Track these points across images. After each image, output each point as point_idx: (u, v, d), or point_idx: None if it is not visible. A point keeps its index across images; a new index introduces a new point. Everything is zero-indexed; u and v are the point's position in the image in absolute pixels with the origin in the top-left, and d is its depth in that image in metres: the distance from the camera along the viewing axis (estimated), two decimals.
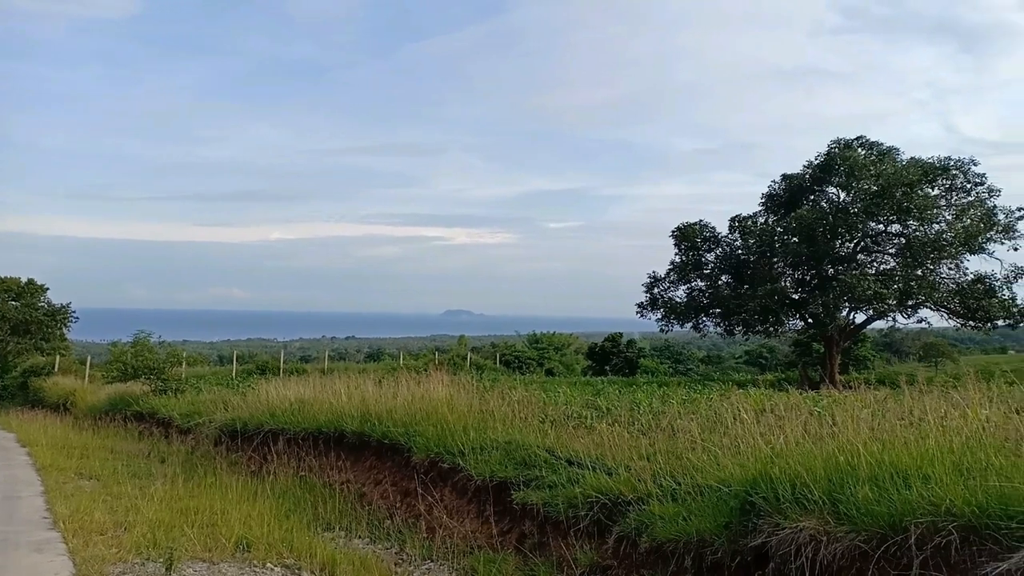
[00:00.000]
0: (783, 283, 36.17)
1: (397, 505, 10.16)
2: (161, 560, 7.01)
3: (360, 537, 9.44)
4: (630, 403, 13.37)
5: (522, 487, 7.93)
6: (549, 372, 44.52)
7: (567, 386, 20.88)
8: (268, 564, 7.48)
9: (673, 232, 39.17)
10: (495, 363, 44.99)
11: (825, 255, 34.31)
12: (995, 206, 33.45)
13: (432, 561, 8.10)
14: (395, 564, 8.03)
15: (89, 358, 39.17)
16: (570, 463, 7.92)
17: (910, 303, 33.50)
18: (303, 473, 12.30)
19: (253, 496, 10.57)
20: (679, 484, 6.52)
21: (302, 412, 13.69)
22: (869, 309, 34.22)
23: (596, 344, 52.37)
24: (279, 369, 36.34)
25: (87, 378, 34.08)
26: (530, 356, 49.10)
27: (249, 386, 20.41)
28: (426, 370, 14.54)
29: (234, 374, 35.70)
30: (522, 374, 38.38)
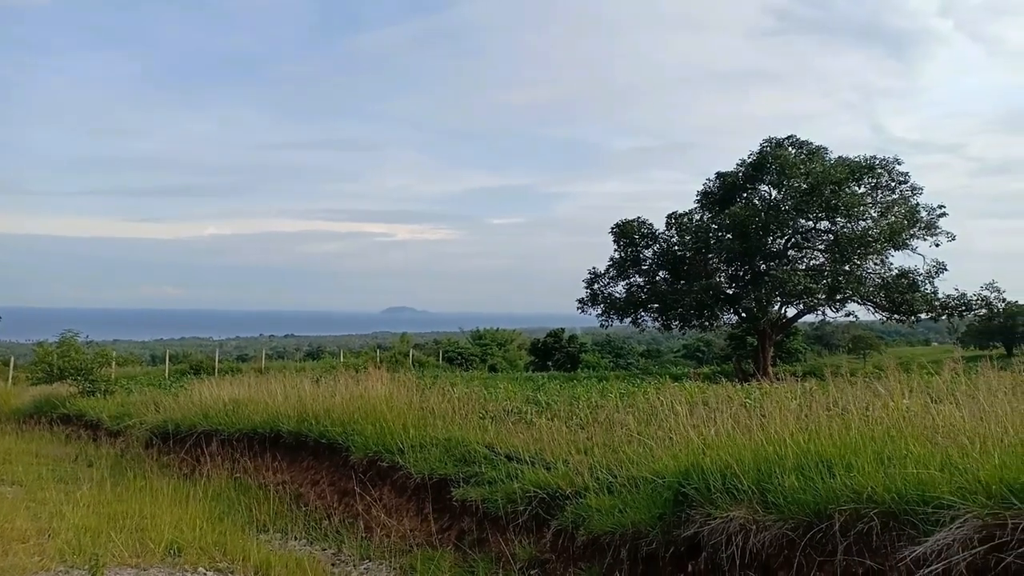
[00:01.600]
0: (718, 279, 37.00)
1: (335, 505, 10.03)
2: (86, 567, 6.77)
3: (297, 538, 9.29)
4: (570, 398, 13.51)
5: (462, 484, 7.93)
6: (492, 368, 44.58)
7: (508, 382, 20.94)
8: (200, 568, 7.30)
9: (612, 229, 39.65)
10: (438, 360, 44.83)
11: (758, 251, 35.23)
12: (918, 204, 34.90)
13: (370, 561, 8.02)
14: (332, 565, 7.93)
15: (12, 359, 37.50)
16: (509, 459, 7.96)
17: (838, 297, 34.69)
18: (238, 475, 12.03)
19: (185, 499, 10.28)
20: (615, 477, 6.62)
21: (237, 413, 13.39)
22: (800, 303, 35.33)
23: (539, 340, 52.67)
24: (214, 369, 35.47)
25: (10, 380, 32.64)
26: (473, 353, 49.10)
27: (182, 386, 19.88)
28: (365, 368, 14.39)
29: (167, 374, 34.69)
30: (465, 371, 38.34)
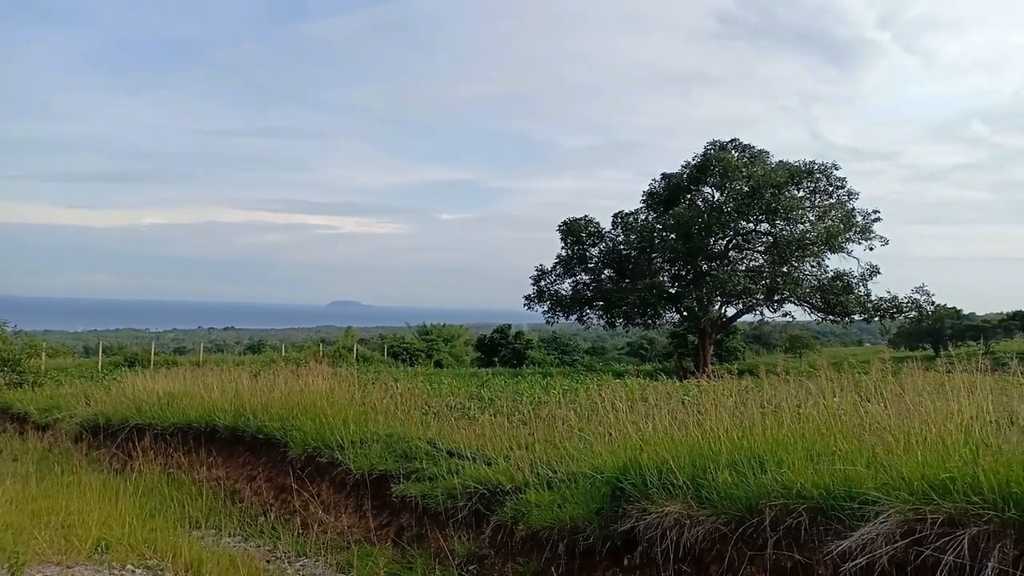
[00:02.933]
0: (661, 278, 37.62)
1: (271, 502, 9.86)
2: (5, 566, 6.50)
3: (232, 535, 9.09)
4: (513, 394, 13.57)
5: (402, 480, 7.87)
6: (438, 364, 44.41)
7: (452, 378, 20.91)
8: (128, 566, 7.08)
9: (559, 227, 39.92)
10: (383, 355, 44.43)
11: (700, 252, 35.91)
12: (853, 208, 36.05)
13: (306, 557, 7.91)
14: (267, 562, 7.78)
15: None
16: (451, 454, 7.94)
17: (776, 298, 35.63)
18: (171, 470, 11.74)
19: (115, 495, 9.97)
20: (555, 472, 6.67)
21: (171, 407, 13.06)
22: (739, 303, 36.18)
23: (485, 336, 52.71)
24: (150, 361, 34.44)
25: None
26: (419, 348, 48.80)
27: (115, 379, 19.31)
28: (307, 363, 14.17)
29: (100, 366, 33.57)
30: (411, 366, 38.11)
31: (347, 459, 8.73)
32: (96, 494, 9.88)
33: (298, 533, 8.60)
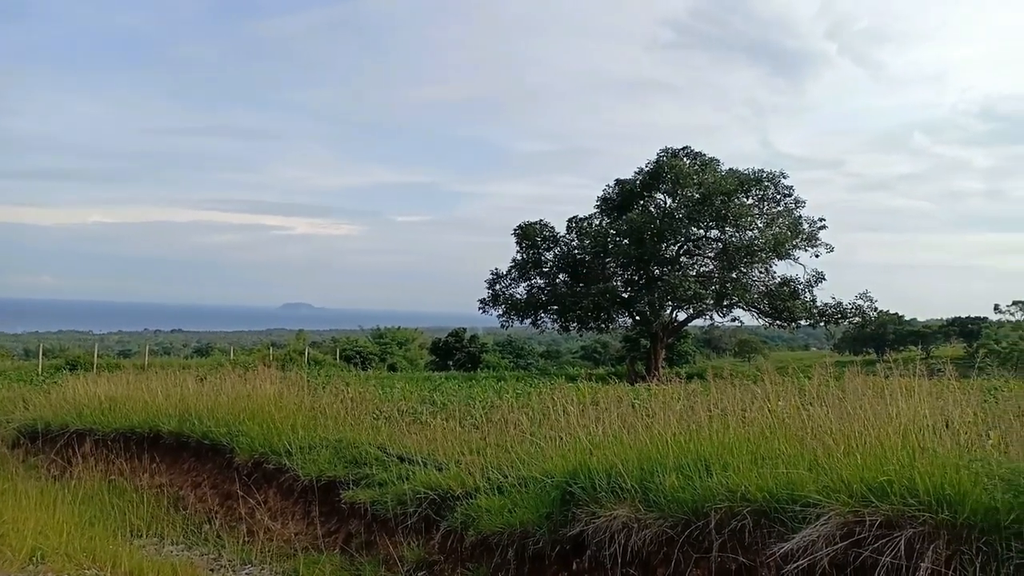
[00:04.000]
0: (615, 282, 37.99)
1: (217, 509, 9.64)
2: None
3: (175, 544, 8.87)
4: (466, 398, 13.53)
5: (351, 486, 7.78)
6: (392, 367, 44.04)
7: (405, 381, 20.77)
8: (65, 575, 6.85)
9: (515, 231, 40.02)
10: (335, 359, 43.88)
11: (652, 257, 36.39)
12: (800, 216, 36.96)
13: (252, 565, 7.75)
14: (211, 570, 7.61)
15: None
16: (401, 460, 7.87)
17: (725, 303, 36.31)
18: (113, 477, 11.38)
19: (53, 503, 9.61)
20: (506, 477, 6.66)
21: (114, 411, 12.67)
22: (690, 308, 36.78)
23: (440, 339, 52.47)
24: (92, 364, 33.42)
25: None
26: (372, 351, 48.35)
27: (55, 383, 18.66)
28: (255, 366, 13.92)
29: (40, 369, 32.42)
30: (363, 370, 37.72)
31: (295, 465, 8.59)
32: (33, 502, 9.51)
33: (243, 541, 8.42)
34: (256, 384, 11.67)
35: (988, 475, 3.90)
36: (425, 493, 6.89)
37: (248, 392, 11.32)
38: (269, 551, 7.91)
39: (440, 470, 7.21)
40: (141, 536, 9.06)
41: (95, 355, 37.49)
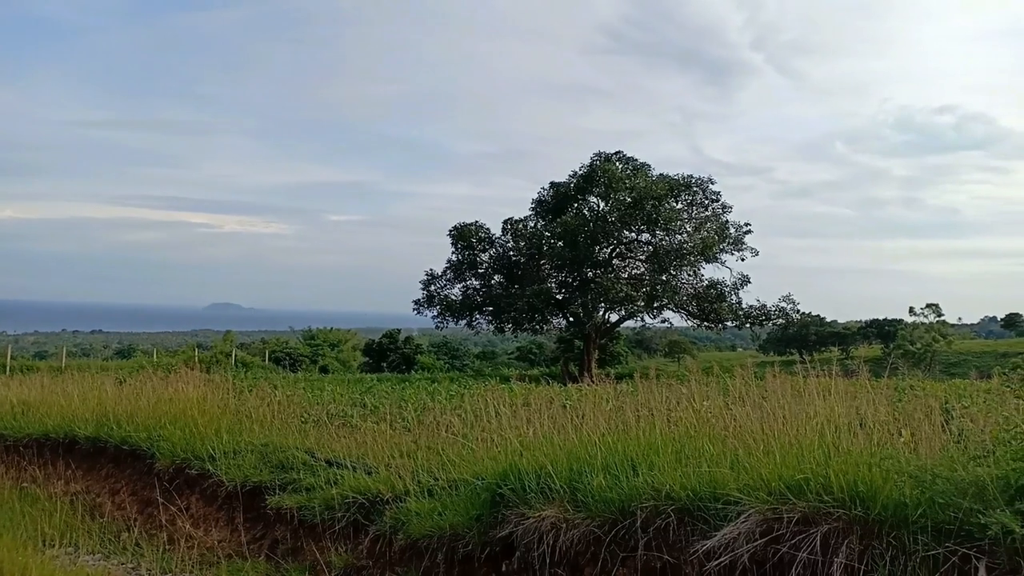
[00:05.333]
0: (549, 284, 38.31)
1: (136, 516, 9.28)
2: None
3: (91, 553, 8.49)
4: (399, 400, 13.39)
5: (277, 491, 7.60)
6: (323, 369, 43.29)
7: (336, 384, 20.44)
8: None
9: (450, 231, 39.92)
10: (264, 361, 42.86)
11: (586, 259, 36.85)
12: (727, 221, 38.04)
13: (172, 574, 7.49)
14: None
15: None
16: (330, 464, 7.73)
17: (656, 305, 37.06)
18: (25, 484, 10.84)
19: None
20: (437, 480, 6.61)
21: (26, 416, 12.09)
22: (621, 309, 37.41)
23: (374, 341, 51.86)
24: (5, 367, 31.81)
25: None
26: (303, 353, 47.43)
27: None
28: (178, 368, 13.47)
29: None
30: (293, 372, 36.99)
31: (219, 470, 8.35)
32: None
33: (164, 549, 8.13)
34: (179, 387, 11.31)
35: (898, 472, 4.07)
36: (354, 497, 6.79)
37: (170, 395, 10.95)
38: (190, 559, 7.66)
39: (370, 474, 7.11)
40: (54, 546, 8.64)
41: (8, 357, 35.70)
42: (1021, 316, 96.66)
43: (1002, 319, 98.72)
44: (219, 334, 71.69)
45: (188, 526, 8.27)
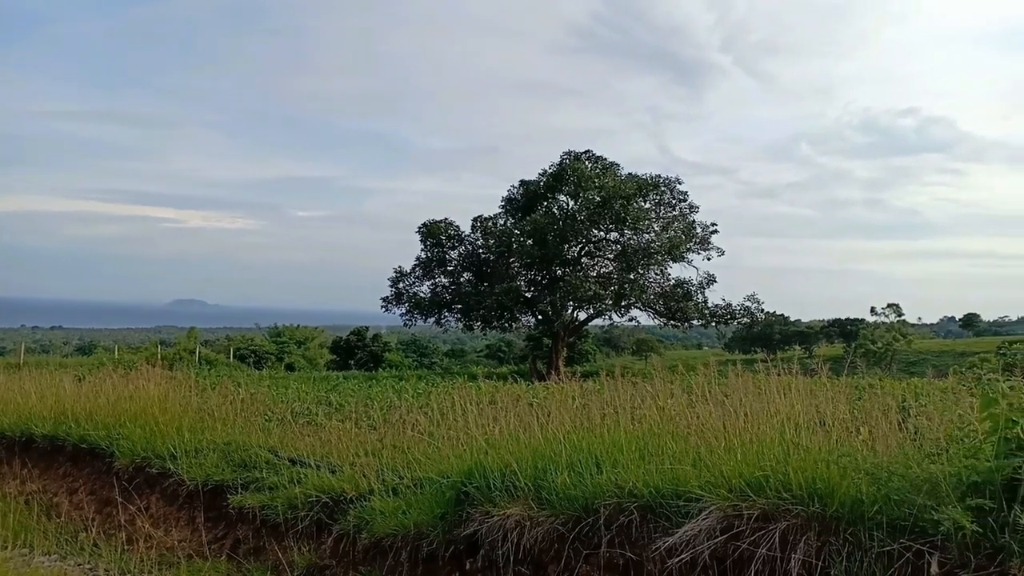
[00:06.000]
0: (518, 282, 38.37)
1: (94, 516, 9.11)
2: None
3: (47, 554, 8.30)
4: (365, 398, 13.31)
5: (240, 490, 7.51)
6: (289, 367, 42.88)
7: (301, 382, 20.26)
8: None
9: (419, 228, 39.77)
10: (228, 358, 42.31)
11: (555, 257, 36.97)
12: (694, 221, 38.42)
13: (131, 574, 7.36)
14: None
15: None
16: (293, 463, 7.66)
17: (623, 303, 37.32)
18: None
19: None
20: (402, 479, 6.58)
21: None
22: (590, 308, 37.61)
23: (341, 338, 51.49)
24: None
25: None
26: (269, 350, 46.94)
27: None
28: (139, 366, 13.24)
29: None
30: (259, 369, 36.58)
31: (180, 469, 8.23)
32: None
33: (122, 549, 7.98)
34: (140, 384, 11.12)
35: (855, 470, 4.14)
36: (317, 496, 6.73)
37: (130, 393, 10.76)
38: (150, 559, 7.53)
39: (334, 473, 7.06)
40: (7, 547, 8.45)
41: None
42: (978, 316, 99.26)
43: (960, 319, 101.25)
44: (183, 331, 70.67)
45: (148, 526, 8.13)
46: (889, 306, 64.81)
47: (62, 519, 9.41)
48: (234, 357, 42.81)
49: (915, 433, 4.65)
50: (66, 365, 24.82)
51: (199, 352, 40.25)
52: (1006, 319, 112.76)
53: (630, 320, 39.44)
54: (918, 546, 3.65)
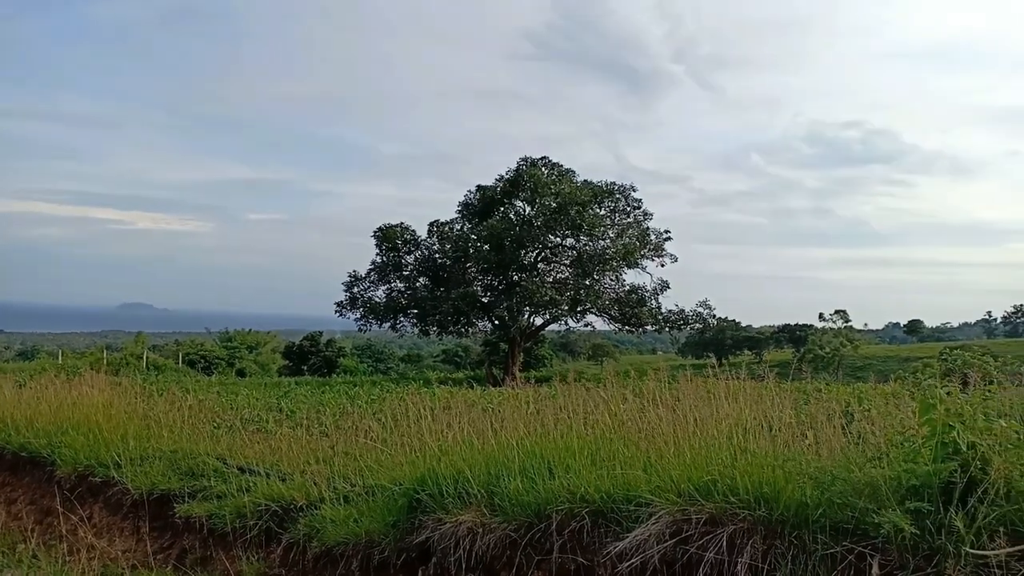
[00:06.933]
0: (475, 287, 38.34)
1: (34, 527, 8.79)
2: None
3: None
4: (317, 404, 13.15)
5: (187, 499, 7.36)
6: (241, 373, 42.13)
7: (252, 388, 19.92)
8: None
9: (375, 232, 39.47)
10: (178, 363, 41.37)
11: (511, 263, 37.04)
12: (648, 228, 38.93)
13: None
14: None
15: None
16: (242, 471, 7.53)
17: (579, 309, 37.59)
18: None
19: None
20: (353, 486, 6.52)
21: None
22: (546, 313, 37.77)
23: (294, 343, 50.77)
24: None
25: None
26: (219, 355, 46.04)
27: None
28: (83, 371, 12.87)
29: None
30: (208, 375, 35.84)
31: (125, 478, 8.03)
32: None
33: (63, 561, 7.72)
34: (83, 391, 10.83)
35: (800, 474, 4.23)
36: (267, 505, 6.63)
37: (74, 399, 10.48)
38: (92, 570, 7.30)
39: (284, 481, 6.95)
40: None
41: None
42: (922, 323, 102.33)
43: (905, 325, 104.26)
44: (130, 335, 68.91)
45: (90, 536, 7.89)
46: (836, 312, 66.43)
47: (0, 530, 9.09)
48: (183, 362, 41.88)
49: (858, 438, 4.76)
50: (6, 370, 24.00)
51: (147, 357, 39.29)
52: (948, 325, 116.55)
53: (586, 325, 39.81)
54: (860, 548, 3.73)
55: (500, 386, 21.73)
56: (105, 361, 32.97)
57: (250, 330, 54.79)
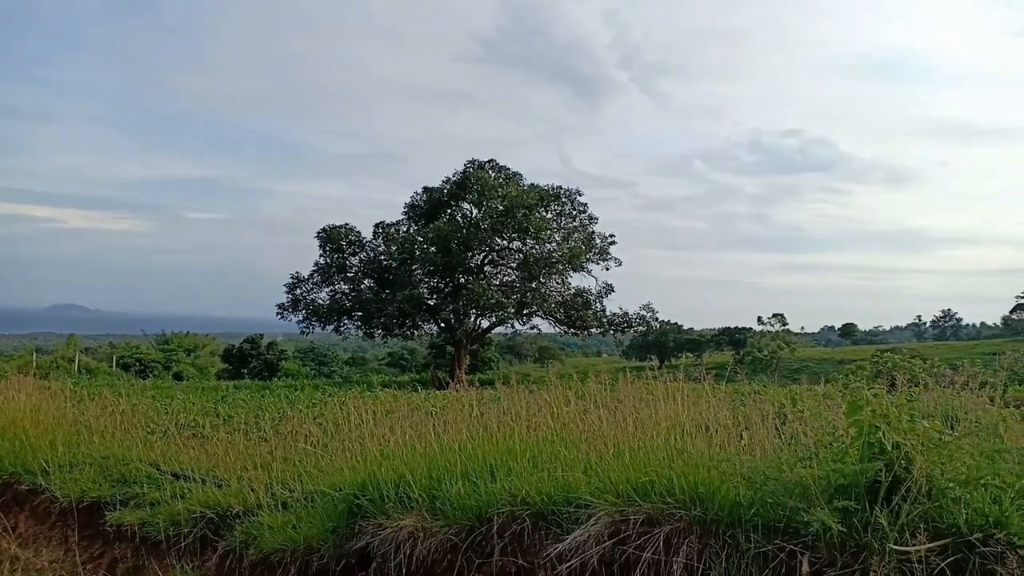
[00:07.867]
0: (421, 289, 38.13)
1: None
2: None
3: None
4: (256, 408, 12.90)
5: (118, 507, 7.13)
6: (178, 376, 41.02)
7: (189, 392, 19.44)
8: None
9: (318, 233, 38.92)
10: (111, 366, 40.06)
11: (458, 265, 37.00)
12: (594, 232, 39.34)
13: None
14: None
15: None
16: (177, 477, 7.34)
17: (525, 312, 37.75)
18: None
19: None
20: (292, 492, 6.41)
21: None
22: (492, 316, 37.81)
23: (234, 346, 49.69)
24: None
25: None
26: (155, 358, 44.78)
27: None
28: (8, 375, 12.36)
29: None
30: (144, 379, 34.80)
31: (53, 485, 7.74)
32: None
33: None
34: (9, 395, 10.40)
35: (734, 474, 4.32)
36: (202, 512, 6.47)
37: None
38: None
39: (220, 487, 6.80)
40: None
41: None
42: (856, 326, 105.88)
43: (839, 328, 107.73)
44: (62, 337, 66.41)
45: (14, 547, 7.59)
46: (774, 316, 68.31)
47: None
48: (117, 366, 40.59)
49: (791, 438, 4.89)
50: None
51: (79, 360, 37.95)
52: (880, 328, 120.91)
53: (532, 328, 40.00)
54: (791, 546, 3.84)
55: (445, 389, 21.69)
56: (34, 364, 31.69)
57: (188, 332, 53.38)
